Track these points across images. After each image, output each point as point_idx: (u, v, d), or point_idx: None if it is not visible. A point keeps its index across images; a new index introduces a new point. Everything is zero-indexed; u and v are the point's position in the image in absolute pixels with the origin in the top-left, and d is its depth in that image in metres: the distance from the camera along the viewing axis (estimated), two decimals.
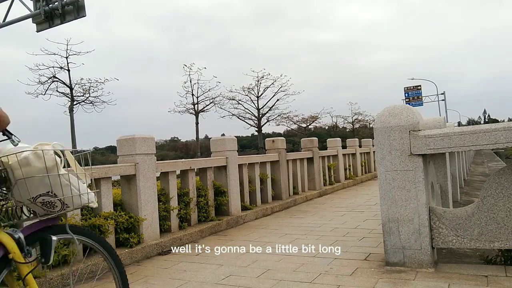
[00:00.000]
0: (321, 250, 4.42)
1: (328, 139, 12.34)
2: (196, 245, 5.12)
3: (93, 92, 27.27)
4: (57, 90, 26.04)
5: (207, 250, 4.78)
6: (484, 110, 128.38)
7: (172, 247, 4.98)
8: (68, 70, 25.69)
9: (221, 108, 38.46)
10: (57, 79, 25.77)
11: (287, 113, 41.85)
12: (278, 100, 39.41)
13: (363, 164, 14.25)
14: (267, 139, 8.92)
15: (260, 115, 39.71)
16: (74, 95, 26.35)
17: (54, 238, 1.90)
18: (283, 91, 39.01)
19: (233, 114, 39.59)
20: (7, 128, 1.82)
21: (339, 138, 12.53)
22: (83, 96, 27.10)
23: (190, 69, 34.76)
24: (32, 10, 13.45)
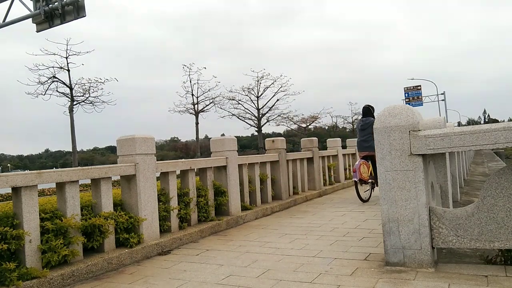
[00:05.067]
0: (321, 250, 4.42)
1: (328, 139, 12.33)
2: (196, 245, 5.12)
3: (93, 92, 27.24)
4: (57, 90, 26.01)
5: (207, 250, 4.79)
6: (484, 110, 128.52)
7: (172, 247, 4.98)
8: (68, 70, 25.66)
9: (221, 108, 38.47)
10: (57, 79, 25.75)
11: (287, 113, 41.85)
12: (278, 100, 39.42)
13: None
14: (267, 139, 8.92)
15: (260, 115, 39.71)
16: (74, 95, 26.32)
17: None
18: (283, 91, 39.03)
19: (233, 114, 39.60)
20: None
21: (339, 138, 12.52)
22: (83, 96, 27.07)
23: (190, 69, 34.76)
24: (32, 10, 13.45)
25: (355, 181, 7.91)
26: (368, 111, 8.32)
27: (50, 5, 13.04)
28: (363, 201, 7.93)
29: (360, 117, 10.45)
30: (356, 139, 14.21)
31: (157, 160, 5.23)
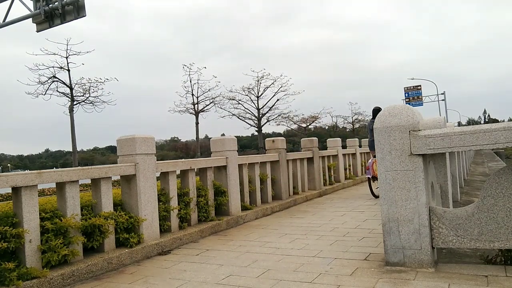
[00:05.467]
0: (321, 250, 4.42)
1: (328, 139, 12.34)
2: (196, 245, 5.12)
3: (93, 92, 27.21)
4: (57, 90, 25.95)
5: (207, 250, 4.79)
6: (484, 110, 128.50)
7: (172, 247, 4.98)
8: (68, 70, 25.62)
9: (221, 108, 38.44)
10: (57, 79, 25.72)
11: (287, 113, 41.83)
12: (278, 100, 39.42)
13: (363, 164, 14.24)
14: (267, 139, 8.92)
15: (260, 115, 39.70)
16: (74, 95, 26.29)
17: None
18: (283, 91, 39.02)
19: (233, 114, 39.58)
20: None
21: (339, 138, 12.52)
22: (83, 96, 27.05)
23: (190, 69, 34.74)
24: (32, 10, 13.44)
25: (368, 177, 8.66)
26: (378, 112, 8.71)
27: (50, 5, 13.03)
28: (376, 197, 8.45)
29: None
30: (355, 139, 14.20)
31: (157, 160, 5.23)
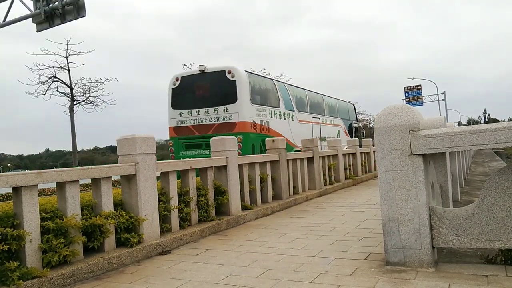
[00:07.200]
0: (322, 250, 4.42)
1: (328, 139, 12.34)
2: (197, 244, 5.12)
3: (93, 92, 27.20)
4: (57, 90, 25.96)
5: (207, 250, 4.79)
6: (485, 110, 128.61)
7: (172, 247, 4.98)
8: (68, 70, 25.61)
9: None
10: (57, 79, 25.72)
11: None
12: None
13: (363, 164, 14.24)
14: (267, 138, 8.92)
15: None
16: (74, 95, 26.28)
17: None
18: None
19: None
20: None
21: (339, 138, 12.52)
22: (83, 96, 27.04)
23: (190, 69, 34.73)
24: (32, 10, 13.45)
25: None
26: None
27: (50, 5, 13.04)
28: None
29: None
30: (355, 138, 14.39)
31: (158, 160, 5.23)
